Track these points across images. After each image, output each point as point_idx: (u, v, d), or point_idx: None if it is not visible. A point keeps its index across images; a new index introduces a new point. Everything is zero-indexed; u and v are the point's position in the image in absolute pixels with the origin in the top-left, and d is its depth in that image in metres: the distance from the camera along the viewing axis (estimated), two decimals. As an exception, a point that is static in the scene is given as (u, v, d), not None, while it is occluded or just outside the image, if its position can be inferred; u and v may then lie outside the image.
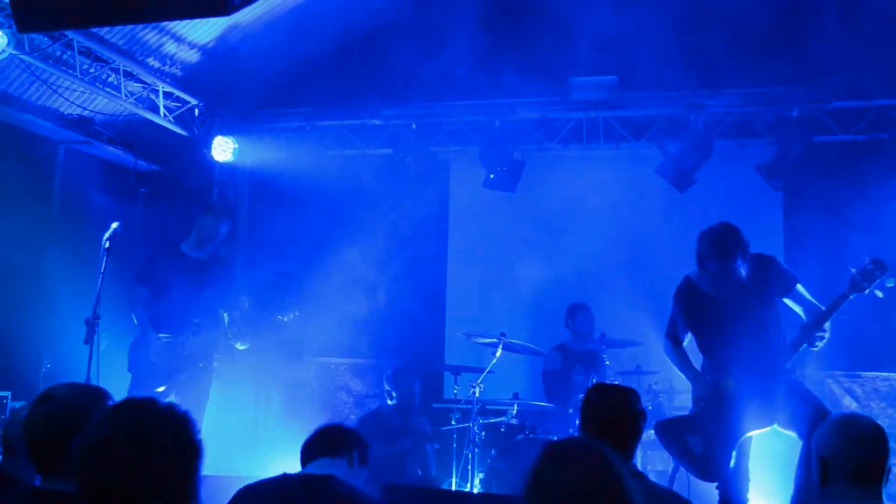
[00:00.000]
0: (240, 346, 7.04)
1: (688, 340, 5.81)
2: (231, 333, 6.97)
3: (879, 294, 5.16)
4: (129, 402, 2.17)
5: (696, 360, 5.79)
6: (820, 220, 8.42)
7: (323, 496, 3.43)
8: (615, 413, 3.67)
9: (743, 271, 5.37)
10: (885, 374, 7.75)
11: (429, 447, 7.17)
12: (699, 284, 5.61)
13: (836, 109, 8.36)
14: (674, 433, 5.51)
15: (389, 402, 7.25)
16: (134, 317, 6.94)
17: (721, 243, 5.36)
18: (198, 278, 6.90)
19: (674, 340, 5.79)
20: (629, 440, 3.66)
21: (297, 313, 7.13)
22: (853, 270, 5.18)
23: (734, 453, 5.33)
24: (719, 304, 5.50)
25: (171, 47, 8.52)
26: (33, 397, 3.11)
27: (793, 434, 5.28)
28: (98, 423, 2.09)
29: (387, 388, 7.47)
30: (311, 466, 3.72)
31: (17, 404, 6.64)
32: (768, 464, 5.97)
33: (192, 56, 8.80)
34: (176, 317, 6.83)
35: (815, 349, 5.34)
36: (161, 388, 6.74)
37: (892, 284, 5.16)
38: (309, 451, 3.78)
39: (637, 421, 3.68)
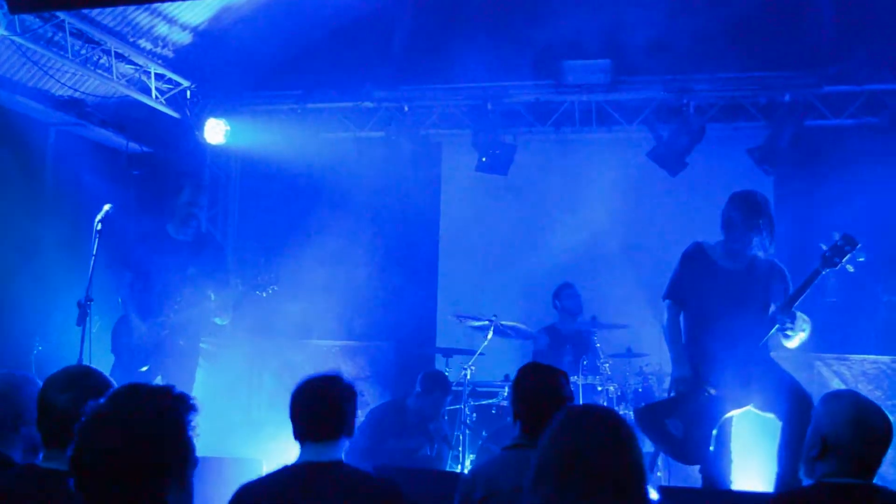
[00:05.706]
0: (218, 322, 7.03)
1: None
2: (216, 309, 6.94)
3: (850, 269, 5.19)
4: (128, 385, 2.21)
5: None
6: (811, 205, 8.47)
7: (332, 485, 3.20)
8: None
9: (759, 246, 5.40)
10: (873, 356, 7.81)
11: (446, 451, 7.13)
12: (709, 252, 5.63)
13: (828, 94, 8.37)
14: (653, 419, 5.49)
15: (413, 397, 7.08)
16: (119, 299, 6.92)
17: (752, 207, 5.42)
18: (183, 259, 6.82)
19: (675, 302, 5.68)
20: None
21: (275, 288, 7.09)
22: (824, 247, 5.22)
23: (714, 434, 5.36)
24: (725, 274, 5.52)
25: (163, 29, 8.47)
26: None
27: (771, 416, 5.32)
28: (97, 404, 2.13)
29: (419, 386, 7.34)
30: (307, 451, 3.33)
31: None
32: (750, 444, 6.01)
33: (185, 38, 8.76)
34: (160, 299, 6.77)
35: (786, 339, 5.34)
36: (144, 368, 6.66)
37: (863, 259, 5.20)
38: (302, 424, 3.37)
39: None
